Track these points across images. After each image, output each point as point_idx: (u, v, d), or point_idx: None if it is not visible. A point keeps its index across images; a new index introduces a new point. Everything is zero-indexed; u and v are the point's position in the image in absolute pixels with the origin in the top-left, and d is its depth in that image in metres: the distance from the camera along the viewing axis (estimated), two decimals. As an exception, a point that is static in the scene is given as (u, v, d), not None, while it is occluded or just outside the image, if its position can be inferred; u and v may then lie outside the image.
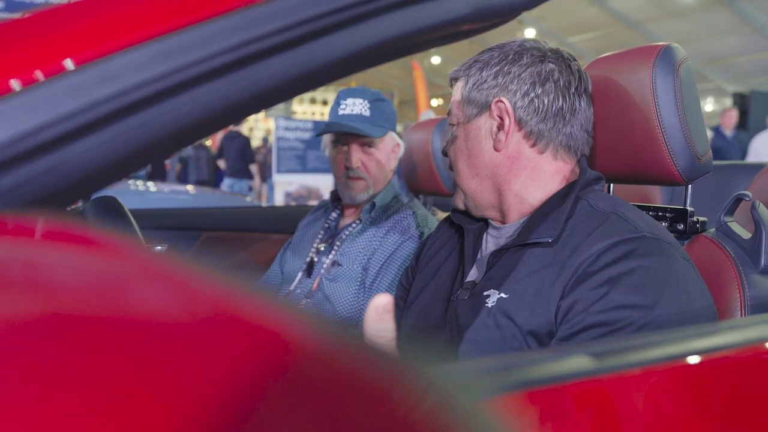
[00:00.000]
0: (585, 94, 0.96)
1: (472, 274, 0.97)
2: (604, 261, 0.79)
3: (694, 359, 0.52)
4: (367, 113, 1.47)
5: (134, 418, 0.16)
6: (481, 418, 0.20)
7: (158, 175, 8.61)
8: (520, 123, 0.93)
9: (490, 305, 0.86)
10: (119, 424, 0.16)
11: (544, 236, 0.85)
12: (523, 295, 0.83)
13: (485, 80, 0.94)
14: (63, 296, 0.21)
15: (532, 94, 0.92)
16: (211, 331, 0.20)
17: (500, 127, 0.93)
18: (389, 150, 1.54)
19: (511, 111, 0.92)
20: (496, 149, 0.94)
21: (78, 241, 0.28)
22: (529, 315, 0.81)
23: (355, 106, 1.49)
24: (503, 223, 0.98)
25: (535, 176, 0.94)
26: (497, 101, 0.93)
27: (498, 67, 0.94)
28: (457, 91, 0.99)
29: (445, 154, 1.05)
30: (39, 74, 0.43)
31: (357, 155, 1.48)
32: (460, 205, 1.03)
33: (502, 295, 0.85)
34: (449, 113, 1.02)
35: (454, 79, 1.02)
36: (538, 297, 0.81)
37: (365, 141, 1.48)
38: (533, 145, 0.93)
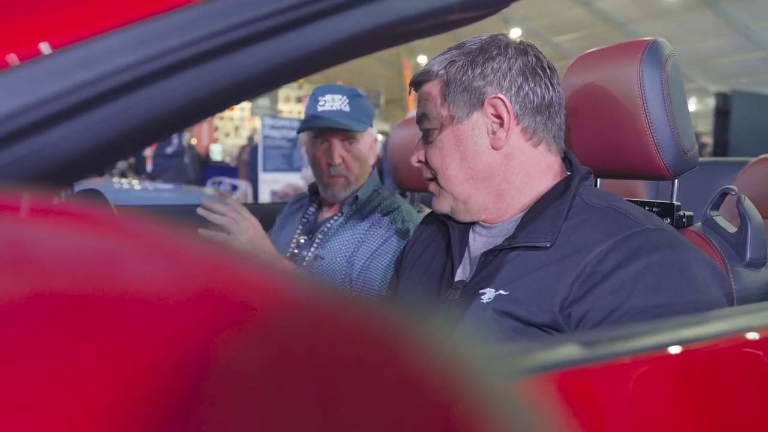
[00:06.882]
0: (559, 83, 0.96)
1: (460, 274, 0.95)
2: (613, 261, 0.77)
3: (681, 349, 0.52)
4: (347, 108, 1.48)
5: (100, 387, 0.15)
6: (496, 386, 0.20)
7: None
8: (518, 118, 0.91)
9: (485, 301, 0.84)
10: (89, 396, 0.15)
11: (542, 240, 0.83)
12: (524, 293, 0.81)
13: (473, 78, 0.91)
14: (47, 270, 0.20)
15: (526, 88, 0.90)
16: (192, 294, 0.19)
17: (500, 124, 0.91)
18: (368, 145, 1.53)
19: (510, 107, 0.90)
20: (494, 148, 0.91)
21: (59, 216, 0.27)
22: (532, 313, 0.80)
23: (335, 102, 1.49)
24: (494, 222, 0.96)
25: (531, 173, 0.92)
26: (493, 98, 0.90)
27: (484, 64, 0.91)
28: (435, 91, 0.94)
29: (423, 162, 0.98)
30: (13, 57, 0.42)
31: (338, 151, 1.48)
32: (446, 210, 0.97)
33: (501, 292, 0.83)
34: (423, 117, 0.96)
35: (422, 82, 0.96)
36: (542, 296, 0.80)
37: (347, 136, 1.48)
38: (529, 140, 0.92)
